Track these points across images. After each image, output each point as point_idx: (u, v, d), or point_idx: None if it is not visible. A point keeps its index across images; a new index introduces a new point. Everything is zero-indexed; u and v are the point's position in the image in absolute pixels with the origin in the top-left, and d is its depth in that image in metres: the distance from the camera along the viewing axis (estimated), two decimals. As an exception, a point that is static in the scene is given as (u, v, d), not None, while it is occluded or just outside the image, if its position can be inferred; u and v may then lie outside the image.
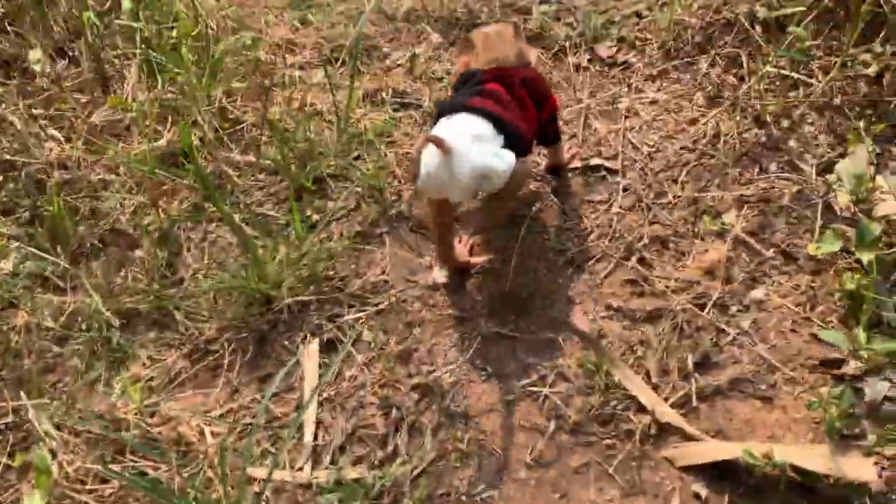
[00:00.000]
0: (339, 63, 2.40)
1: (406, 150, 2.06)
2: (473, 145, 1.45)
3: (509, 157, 1.47)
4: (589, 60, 2.25)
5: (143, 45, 2.17)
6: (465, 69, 1.71)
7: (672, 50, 2.17)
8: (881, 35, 1.84)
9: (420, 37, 2.46)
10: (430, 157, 1.45)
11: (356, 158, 2.06)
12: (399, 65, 2.39)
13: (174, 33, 2.06)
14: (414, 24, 2.50)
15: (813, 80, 1.91)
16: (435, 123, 1.56)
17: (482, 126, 1.50)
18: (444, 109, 1.56)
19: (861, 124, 1.75)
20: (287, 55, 2.46)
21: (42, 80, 2.22)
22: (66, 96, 2.13)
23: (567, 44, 2.29)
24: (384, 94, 2.25)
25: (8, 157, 2.01)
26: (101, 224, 1.92)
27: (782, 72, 1.92)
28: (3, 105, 2.13)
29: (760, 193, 1.74)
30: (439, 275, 1.73)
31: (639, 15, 2.35)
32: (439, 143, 1.41)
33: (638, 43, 2.24)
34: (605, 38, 2.28)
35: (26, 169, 1.99)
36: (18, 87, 2.22)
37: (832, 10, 1.97)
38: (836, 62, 1.83)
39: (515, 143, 1.52)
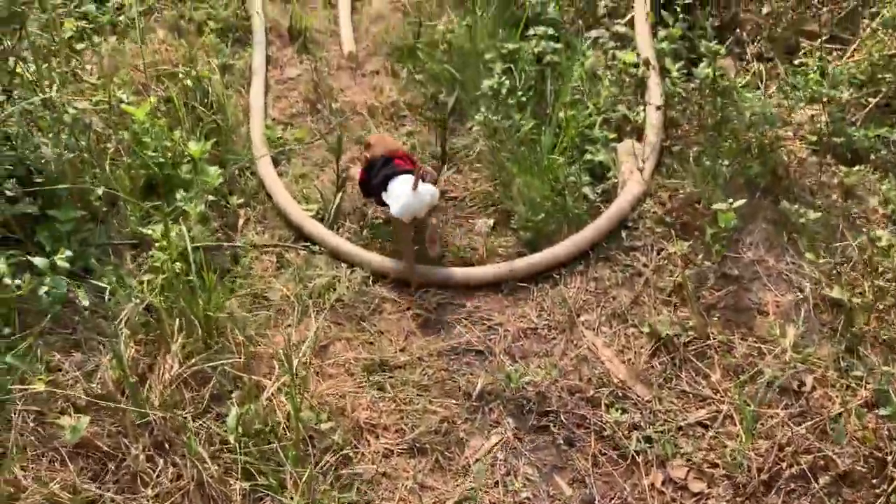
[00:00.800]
0: (420, 453, 2.55)
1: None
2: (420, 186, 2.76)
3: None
4: (662, 482, 2.42)
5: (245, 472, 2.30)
6: (371, 159, 2.99)
7: (740, 486, 2.36)
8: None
9: (496, 422, 2.61)
10: (407, 197, 2.76)
11: None
12: (478, 459, 2.54)
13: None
14: (488, 404, 2.66)
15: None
16: (385, 188, 2.87)
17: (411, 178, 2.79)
18: (388, 177, 2.86)
19: None
20: (369, 437, 2.60)
21: (147, 491, 2.31)
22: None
23: (640, 458, 2.48)
24: (471, 505, 2.39)
25: None
26: None
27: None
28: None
29: None
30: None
31: (704, 425, 2.55)
32: (420, 177, 2.79)
33: (706, 467, 2.43)
34: (676, 454, 2.47)
35: None
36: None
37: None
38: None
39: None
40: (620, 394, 2.65)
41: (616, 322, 2.89)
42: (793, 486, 2.32)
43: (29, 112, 3.04)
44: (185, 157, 3.27)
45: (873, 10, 3.60)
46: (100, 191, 3.08)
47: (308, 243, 3.20)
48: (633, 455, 2.48)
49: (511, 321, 2.90)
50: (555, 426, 2.59)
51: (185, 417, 2.44)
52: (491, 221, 3.29)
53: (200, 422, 2.48)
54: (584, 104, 3.51)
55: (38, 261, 2.54)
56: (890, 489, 2.14)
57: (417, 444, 2.57)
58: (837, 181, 3.19)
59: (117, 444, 2.44)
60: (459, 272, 3.06)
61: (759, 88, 3.54)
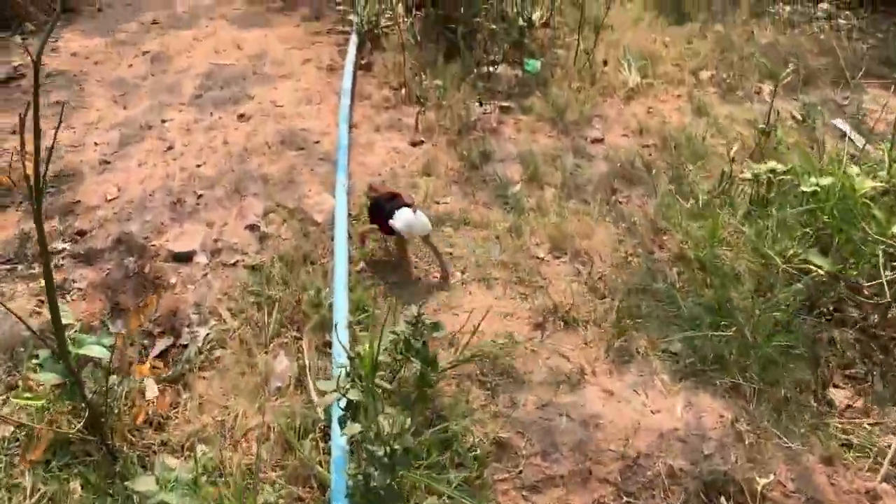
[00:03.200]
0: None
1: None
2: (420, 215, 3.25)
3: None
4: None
5: None
6: (377, 197, 3.44)
7: None
8: None
9: None
10: (409, 220, 3.20)
11: None
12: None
13: None
14: None
15: None
16: (392, 216, 3.25)
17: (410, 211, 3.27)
18: (395, 207, 3.28)
19: None
20: None
21: None
22: None
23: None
24: None
25: None
26: None
27: None
28: None
29: None
30: None
31: None
32: (414, 209, 3.26)
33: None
34: None
35: None
36: None
37: None
38: None
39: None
40: None
41: None
42: None
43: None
44: None
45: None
46: None
47: None
48: None
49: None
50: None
51: None
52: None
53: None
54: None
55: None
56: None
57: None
58: None
59: None
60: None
61: None
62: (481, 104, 4.98)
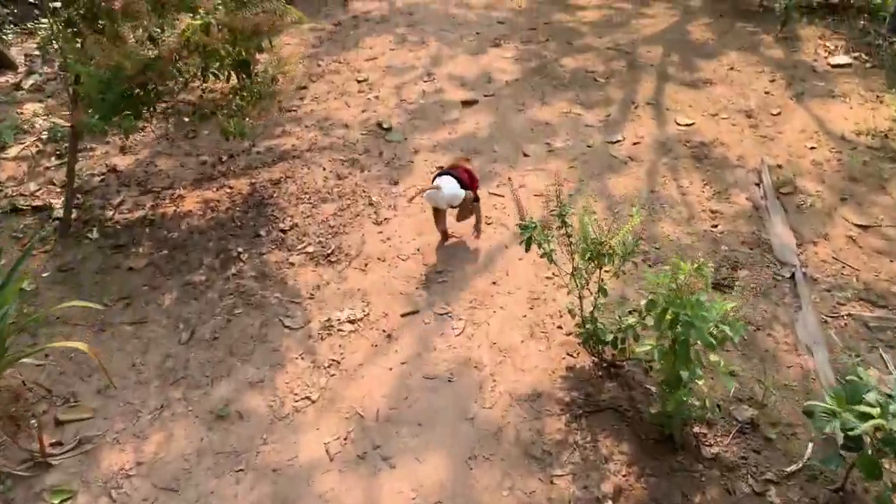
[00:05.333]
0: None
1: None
2: (451, 186, 4.23)
3: (463, 191, 4.28)
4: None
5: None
6: (446, 166, 4.56)
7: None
8: None
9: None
10: (431, 190, 4.20)
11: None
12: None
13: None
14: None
15: None
16: (436, 178, 4.33)
17: (453, 180, 4.29)
18: (439, 175, 4.32)
19: None
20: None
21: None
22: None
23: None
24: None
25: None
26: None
27: None
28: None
29: None
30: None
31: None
32: (437, 187, 4.23)
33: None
34: None
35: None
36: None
37: None
38: None
39: (464, 187, 4.33)
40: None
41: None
42: None
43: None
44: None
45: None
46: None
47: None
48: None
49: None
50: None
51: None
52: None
53: None
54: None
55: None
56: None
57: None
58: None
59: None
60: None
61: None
62: None
